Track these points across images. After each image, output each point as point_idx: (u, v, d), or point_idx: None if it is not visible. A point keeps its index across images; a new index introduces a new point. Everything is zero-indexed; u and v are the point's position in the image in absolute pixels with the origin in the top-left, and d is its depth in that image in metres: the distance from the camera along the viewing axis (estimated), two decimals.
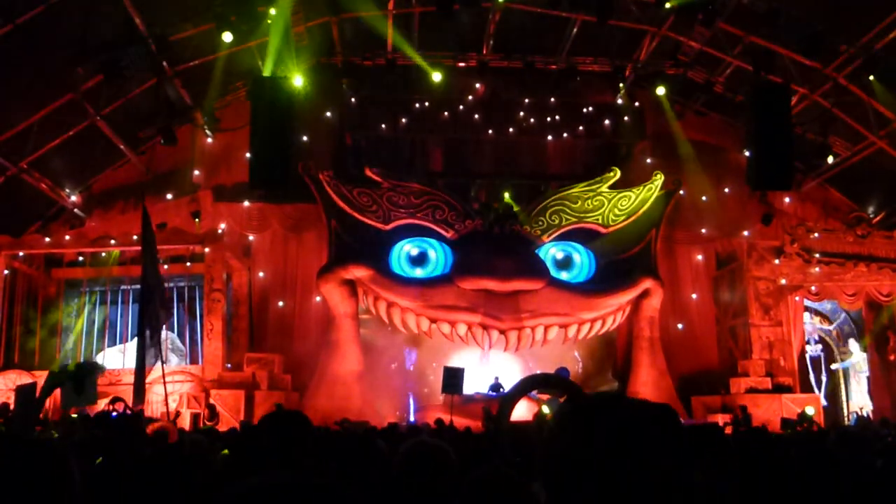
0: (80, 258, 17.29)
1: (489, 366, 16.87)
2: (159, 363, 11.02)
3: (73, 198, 17.01)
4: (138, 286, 17.26)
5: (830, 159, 17.25)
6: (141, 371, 10.75)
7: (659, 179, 17.23)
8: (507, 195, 17.25)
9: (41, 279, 17.24)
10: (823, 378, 19.20)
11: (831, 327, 19.85)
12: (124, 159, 17.36)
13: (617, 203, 17.08)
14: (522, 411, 13.12)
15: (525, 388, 12.65)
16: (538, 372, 15.12)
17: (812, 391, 17.49)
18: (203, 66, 15.50)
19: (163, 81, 15.16)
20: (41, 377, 9.98)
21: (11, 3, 11.88)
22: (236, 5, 12.99)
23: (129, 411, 7.07)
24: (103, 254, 16.94)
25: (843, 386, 19.41)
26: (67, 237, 16.82)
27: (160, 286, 11.72)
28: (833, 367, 19.45)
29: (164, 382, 11.05)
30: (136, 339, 17.27)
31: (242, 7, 13.01)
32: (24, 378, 14.91)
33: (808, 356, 18.72)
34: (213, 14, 13.38)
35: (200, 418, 14.54)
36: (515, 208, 16.90)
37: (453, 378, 14.42)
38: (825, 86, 16.01)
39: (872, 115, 15.93)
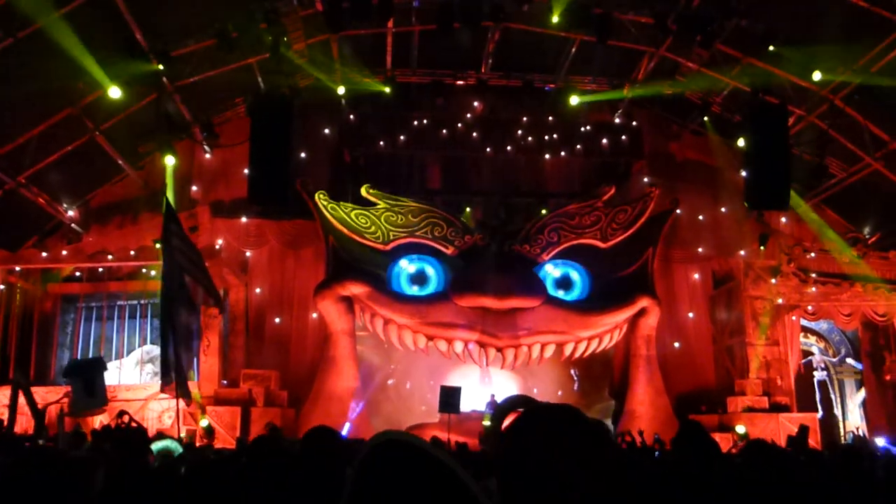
0: (77, 273, 17.22)
1: (490, 384, 16.83)
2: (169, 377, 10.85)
3: (71, 212, 16.97)
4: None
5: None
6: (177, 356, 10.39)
7: (655, 193, 17.31)
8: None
9: (38, 294, 17.15)
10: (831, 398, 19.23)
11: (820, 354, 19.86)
12: (122, 174, 17.35)
13: (614, 217, 17.12)
14: None
15: (509, 408, 13.37)
16: (518, 394, 15.36)
17: (815, 411, 17.44)
18: (203, 82, 15.51)
19: (162, 97, 15.18)
20: (37, 392, 9.89)
21: (12, 16, 11.90)
22: (238, 22, 13.06)
23: (133, 425, 7.03)
24: (100, 269, 16.87)
25: (839, 405, 19.40)
26: (64, 252, 16.76)
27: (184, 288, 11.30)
28: (849, 361, 19.35)
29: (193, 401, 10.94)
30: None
31: (244, 24, 13.08)
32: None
33: (815, 380, 18.73)
34: (214, 30, 13.45)
35: (196, 437, 14.40)
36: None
37: (450, 397, 14.39)
38: (822, 107, 16.13)
39: (868, 137, 16.04)
